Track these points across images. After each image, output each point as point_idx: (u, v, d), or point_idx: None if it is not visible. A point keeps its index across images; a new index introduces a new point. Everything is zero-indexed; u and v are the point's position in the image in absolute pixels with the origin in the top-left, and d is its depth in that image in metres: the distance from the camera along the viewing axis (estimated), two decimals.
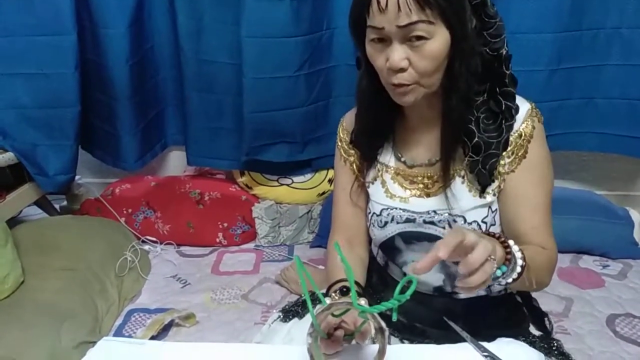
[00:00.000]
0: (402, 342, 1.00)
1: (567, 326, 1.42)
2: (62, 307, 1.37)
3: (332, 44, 1.70)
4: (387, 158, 0.99)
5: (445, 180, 0.90)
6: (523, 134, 0.88)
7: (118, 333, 1.43)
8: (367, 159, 1.00)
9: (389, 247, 1.00)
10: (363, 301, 0.86)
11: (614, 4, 1.59)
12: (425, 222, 0.93)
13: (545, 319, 1.04)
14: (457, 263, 0.67)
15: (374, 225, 0.99)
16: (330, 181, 1.92)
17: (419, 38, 0.78)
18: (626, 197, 1.94)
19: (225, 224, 1.88)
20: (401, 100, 0.86)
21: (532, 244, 0.86)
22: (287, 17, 1.58)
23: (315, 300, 0.90)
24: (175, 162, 2.08)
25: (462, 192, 0.90)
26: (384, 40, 0.81)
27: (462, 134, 0.87)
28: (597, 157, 1.89)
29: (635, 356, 1.31)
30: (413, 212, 0.94)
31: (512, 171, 0.88)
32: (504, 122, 0.87)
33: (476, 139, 0.86)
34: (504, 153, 0.88)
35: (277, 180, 1.93)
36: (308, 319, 0.84)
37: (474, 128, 0.86)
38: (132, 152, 1.85)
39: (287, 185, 1.93)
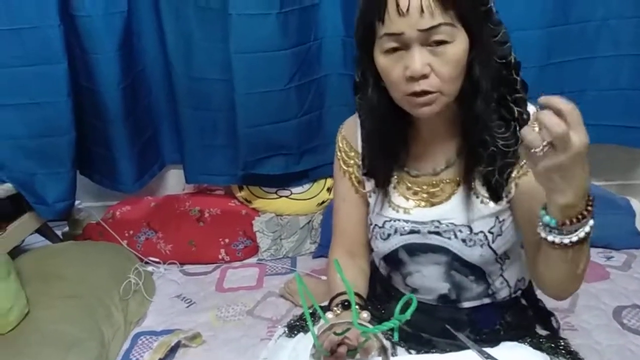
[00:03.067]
0: (409, 352, 0.99)
1: (574, 322, 1.41)
2: (67, 336, 1.37)
3: (321, 54, 1.71)
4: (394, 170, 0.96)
5: (467, 188, 0.88)
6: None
7: (125, 358, 1.43)
8: (384, 184, 0.95)
9: (393, 260, 0.98)
10: (365, 314, 0.85)
11: None
12: (430, 232, 0.92)
13: (552, 318, 1.03)
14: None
15: (376, 238, 0.97)
16: (329, 190, 1.92)
17: (440, 42, 0.76)
18: (625, 186, 1.94)
19: (227, 240, 1.88)
20: (422, 111, 0.80)
21: None
22: (275, 31, 1.59)
23: (317, 315, 0.90)
24: (174, 181, 2.08)
25: (470, 202, 0.88)
26: (400, 49, 0.78)
27: (486, 140, 0.84)
28: (594, 149, 1.85)
29: None
30: (417, 222, 0.92)
31: (525, 174, 0.86)
32: (517, 129, 0.84)
33: (491, 147, 0.84)
34: None
35: (276, 193, 1.93)
36: None
37: (487, 137, 0.84)
38: (130, 174, 1.86)
39: (286, 196, 1.93)
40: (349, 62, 1.68)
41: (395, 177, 0.95)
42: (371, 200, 0.99)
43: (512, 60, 0.84)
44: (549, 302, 1.46)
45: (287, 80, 1.66)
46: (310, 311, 0.78)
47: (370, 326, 0.76)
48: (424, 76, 0.77)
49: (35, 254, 1.74)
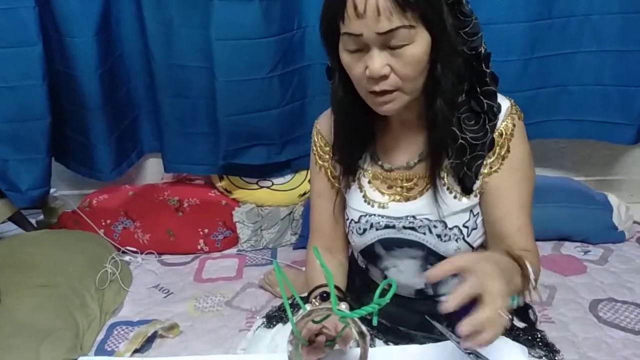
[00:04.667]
0: (387, 344, 0.99)
1: (551, 314, 1.42)
2: (40, 325, 1.34)
3: (305, 43, 1.69)
4: (365, 162, 0.96)
5: (433, 185, 0.88)
6: (504, 133, 0.86)
7: (100, 348, 1.41)
8: (351, 172, 0.96)
9: (369, 254, 0.98)
10: (344, 306, 0.83)
11: None
12: (405, 227, 0.91)
13: (530, 310, 1.04)
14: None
15: (352, 233, 0.97)
16: None
17: (399, 44, 0.75)
18: (604, 181, 1.96)
19: (206, 230, 1.86)
20: (382, 109, 0.82)
21: (515, 246, 0.84)
22: (257, 18, 1.56)
23: (296, 306, 0.89)
24: (153, 170, 2.05)
25: (444, 197, 0.88)
26: (361, 49, 0.77)
27: (448, 136, 0.84)
28: (574, 144, 1.91)
29: (619, 340, 1.32)
30: (392, 217, 0.92)
31: (495, 171, 0.87)
32: (487, 122, 0.84)
33: (460, 140, 0.84)
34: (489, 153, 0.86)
35: (257, 183, 1.91)
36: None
37: (456, 129, 0.84)
38: (107, 162, 1.81)
39: (267, 187, 1.91)
40: None
41: (370, 171, 0.95)
42: (347, 196, 0.98)
43: (483, 52, 0.83)
44: (527, 295, 1.47)
45: (270, 68, 1.63)
46: (290, 302, 0.77)
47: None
48: (384, 77, 0.77)
49: (8, 242, 1.71)
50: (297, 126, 1.79)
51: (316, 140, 1.02)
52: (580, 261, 1.66)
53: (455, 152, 0.85)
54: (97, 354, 1.38)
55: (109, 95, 1.70)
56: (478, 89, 0.84)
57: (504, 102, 0.88)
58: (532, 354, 0.91)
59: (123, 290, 1.65)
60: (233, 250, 1.88)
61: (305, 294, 0.97)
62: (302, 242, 1.85)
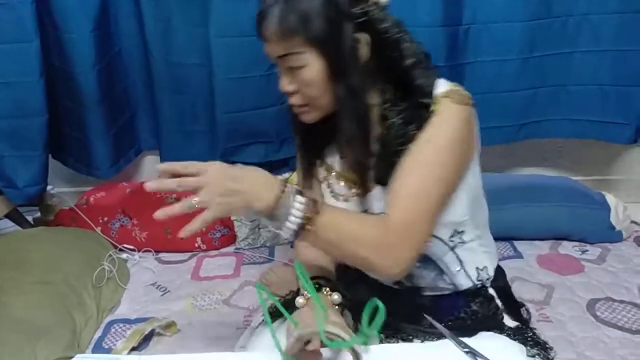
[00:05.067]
0: (379, 337, 0.98)
1: (549, 314, 1.42)
2: (37, 323, 1.33)
3: None
4: (332, 159, 0.98)
5: (364, 190, 0.91)
6: (429, 114, 0.82)
7: (98, 346, 1.40)
8: (310, 162, 1.00)
9: None
10: (337, 296, 0.89)
11: None
12: None
13: (523, 309, 1.03)
14: None
15: None
16: None
17: (294, 67, 0.81)
18: (602, 181, 1.96)
19: (204, 228, 1.85)
20: (302, 118, 0.88)
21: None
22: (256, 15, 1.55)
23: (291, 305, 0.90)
24: (150, 167, 2.04)
25: (382, 191, 0.89)
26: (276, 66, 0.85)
27: (364, 150, 0.86)
28: (572, 144, 1.91)
29: (616, 340, 1.32)
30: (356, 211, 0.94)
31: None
32: (410, 130, 0.83)
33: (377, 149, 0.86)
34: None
35: None
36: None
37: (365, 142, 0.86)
38: (105, 159, 1.81)
39: None
40: None
41: (336, 168, 0.97)
42: (322, 188, 1.00)
43: (408, 63, 0.83)
44: (525, 294, 1.48)
45: (268, 66, 1.63)
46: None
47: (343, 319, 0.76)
48: (290, 93, 0.84)
49: (4, 239, 1.70)
50: None
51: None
52: (578, 260, 1.66)
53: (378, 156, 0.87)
54: (94, 351, 1.37)
55: (106, 92, 1.70)
56: (407, 98, 0.84)
57: (444, 87, 0.84)
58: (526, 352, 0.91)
59: (120, 288, 1.64)
60: (230, 249, 1.87)
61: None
62: None
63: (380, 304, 0.70)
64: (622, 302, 1.46)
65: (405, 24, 0.86)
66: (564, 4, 1.63)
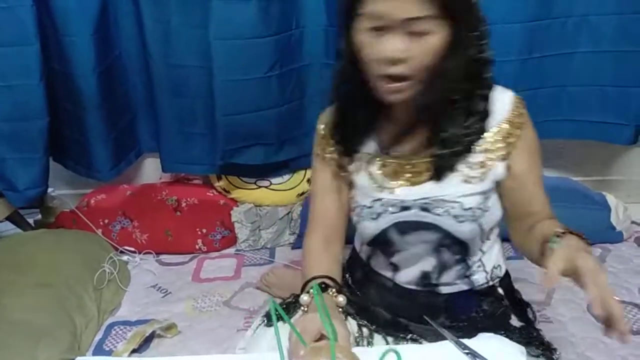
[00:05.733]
0: (386, 339, 0.98)
1: (550, 314, 1.43)
2: (38, 325, 1.33)
3: (303, 43, 1.68)
4: (371, 149, 0.96)
5: (438, 173, 0.90)
6: (512, 122, 0.89)
7: (98, 348, 1.40)
8: (349, 153, 0.97)
9: (381, 241, 0.97)
10: (341, 298, 0.89)
11: None
12: (422, 209, 0.91)
13: (528, 309, 1.04)
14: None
15: (364, 219, 0.96)
16: (310, 181, 1.90)
17: (422, 32, 0.76)
18: (602, 182, 1.96)
19: (204, 230, 1.86)
20: (390, 97, 0.83)
21: (542, 217, 0.87)
22: (256, 18, 1.56)
23: (290, 308, 0.93)
24: (151, 170, 2.04)
25: (452, 180, 0.90)
26: (380, 29, 0.77)
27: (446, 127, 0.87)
28: (572, 144, 1.91)
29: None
30: (405, 200, 0.92)
31: (504, 159, 0.89)
32: (475, 123, 0.87)
33: (447, 134, 0.86)
34: (491, 140, 0.88)
35: (255, 183, 1.91)
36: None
37: (450, 122, 0.86)
38: (105, 162, 1.81)
39: (266, 187, 1.91)
40: (331, 52, 1.64)
41: (378, 158, 0.95)
42: (356, 183, 0.98)
43: (488, 58, 0.85)
44: (526, 295, 1.48)
45: (268, 68, 1.63)
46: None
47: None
48: (400, 60, 0.77)
49: (5, 241, 1.71)
50: (296, 126, 1.79)
51: (322, 132, 1.02)
52: None
53: (447, 144, 0.87)
54: (95, 353, 1.38)
55: (107, 94, 1.70)
56: (479, 91, 0.87)
57: (507, 93, 0.90)
58: (529, 352, 0.91)
59: (121, 290, 1.65)
60: (231, 250, 1.88)
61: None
62: (300, 242, 1.84)
63: (399, 352, 0.70)
64: (622, 302, 1.46)
65: None
66: (563, 5, 1.62)
